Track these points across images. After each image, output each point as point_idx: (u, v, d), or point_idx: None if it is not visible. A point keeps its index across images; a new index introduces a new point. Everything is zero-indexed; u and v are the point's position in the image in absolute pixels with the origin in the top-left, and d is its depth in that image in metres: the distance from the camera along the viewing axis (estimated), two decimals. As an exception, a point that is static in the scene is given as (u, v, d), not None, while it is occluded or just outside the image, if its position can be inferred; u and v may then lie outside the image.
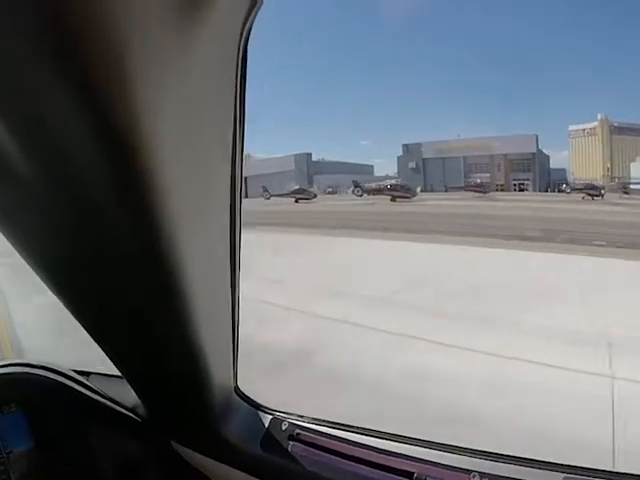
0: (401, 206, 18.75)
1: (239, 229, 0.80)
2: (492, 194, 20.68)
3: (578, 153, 23.37)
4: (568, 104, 25.07)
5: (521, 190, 22.56)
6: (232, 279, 0.86)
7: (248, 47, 0.61)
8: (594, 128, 23.01)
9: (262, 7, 0.57)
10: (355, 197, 21.58)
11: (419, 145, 24.41)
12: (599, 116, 22.53)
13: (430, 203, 18.91)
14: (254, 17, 0.57)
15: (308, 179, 25.17)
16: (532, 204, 16.84)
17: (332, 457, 1.00)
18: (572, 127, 23.02)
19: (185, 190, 0.61)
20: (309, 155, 25.97)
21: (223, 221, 0.76)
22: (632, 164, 20.44)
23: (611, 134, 22.43)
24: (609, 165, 22.46)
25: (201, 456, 1.10)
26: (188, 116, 0.56)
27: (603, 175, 22.02)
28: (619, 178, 21.89)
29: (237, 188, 0.73)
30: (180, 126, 0.55)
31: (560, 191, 20.52)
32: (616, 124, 22.42)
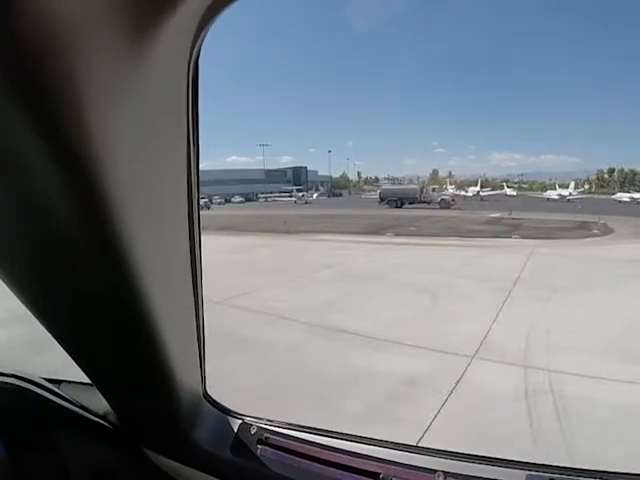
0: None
1: (199, 238, 0.83)
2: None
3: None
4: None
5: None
6: (194, 286, 0.88)
7: (199, 65, 0.65)
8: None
9: (211, 28, 0.60)
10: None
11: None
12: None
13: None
14: (204, 36, 0.61)
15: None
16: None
17: (300, 460, 1.02)
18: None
19: (142, 204, 0.65)
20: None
21: (182, 232, 0.79)
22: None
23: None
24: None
25: (172, 462, 1.12)
26: (142, 134, 0.59)
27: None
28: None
29: (194, 199, 0.77)
30: (134, 144, 0.59)
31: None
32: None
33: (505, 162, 44.29)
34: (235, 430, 1.09)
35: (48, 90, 0.46)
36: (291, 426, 1.09)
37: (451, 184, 34.44)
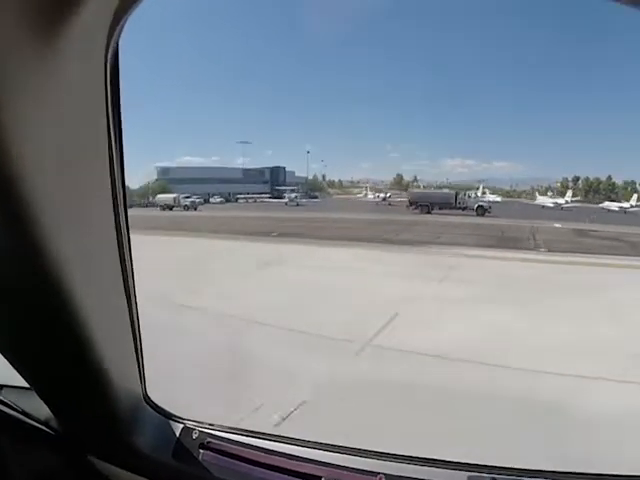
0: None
1: (127, 236, 0.82)
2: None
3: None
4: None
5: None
6: (125, 287, 0.87)
7: (119, 57, 0.64)
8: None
9: (128, 20, 0.59)
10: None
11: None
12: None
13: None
14: (121, 29, 0.60)
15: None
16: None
17: (242, 464, 1.03)
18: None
19: (65, 205, 0.64)
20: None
21: (108, 230, 0.78)
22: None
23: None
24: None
25: (115, 468, 1.10)
26: (61, 133, 0.59)
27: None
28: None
29: (119, 195, 0.76)
30: (54, 144, 0.58)
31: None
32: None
33: (457, 168, 45.86)
34: (177, 435, 1.09)
35: None
36: (233, 430, 1.10)
37: (423, 188, 33.57)
